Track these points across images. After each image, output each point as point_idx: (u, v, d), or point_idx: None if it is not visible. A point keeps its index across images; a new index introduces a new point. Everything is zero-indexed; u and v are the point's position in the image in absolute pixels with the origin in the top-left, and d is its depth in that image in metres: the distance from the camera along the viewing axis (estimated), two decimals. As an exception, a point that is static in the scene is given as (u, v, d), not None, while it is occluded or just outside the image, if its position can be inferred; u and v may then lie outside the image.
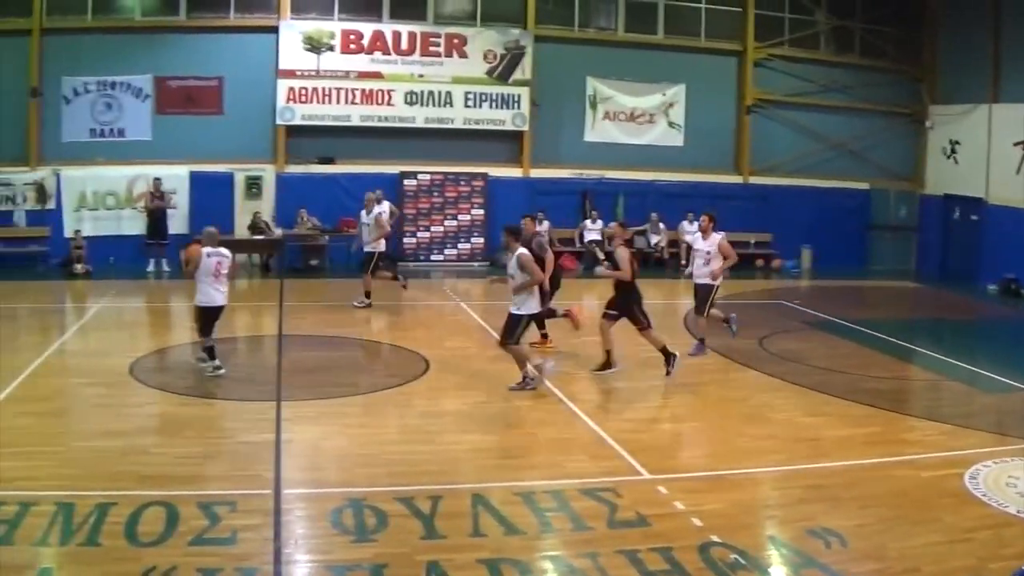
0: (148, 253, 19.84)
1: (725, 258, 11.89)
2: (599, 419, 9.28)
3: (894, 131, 23.53)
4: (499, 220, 20.72)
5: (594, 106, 22.04)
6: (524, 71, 21.33)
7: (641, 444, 8.38)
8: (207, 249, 10.85)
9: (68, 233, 19.74)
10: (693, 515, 6.75)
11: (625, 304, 10.94)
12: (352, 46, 20.87)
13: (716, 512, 6.80)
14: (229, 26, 20.73)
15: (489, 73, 21.25)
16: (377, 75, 20.85)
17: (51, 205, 20.17)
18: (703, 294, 12.12)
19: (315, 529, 6.59)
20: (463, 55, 21.17)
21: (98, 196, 20.27)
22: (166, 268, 19.80)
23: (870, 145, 23.30)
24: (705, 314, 12.12)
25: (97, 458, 8.16)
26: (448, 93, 21.11)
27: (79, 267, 19.41)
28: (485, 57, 21.22)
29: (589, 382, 11.23)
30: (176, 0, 20.62)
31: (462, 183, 21.14)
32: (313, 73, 20.70)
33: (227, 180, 20.50)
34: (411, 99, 21.00)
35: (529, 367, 10.32)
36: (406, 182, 20.92)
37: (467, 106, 21.20)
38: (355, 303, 15.83)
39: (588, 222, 21.25)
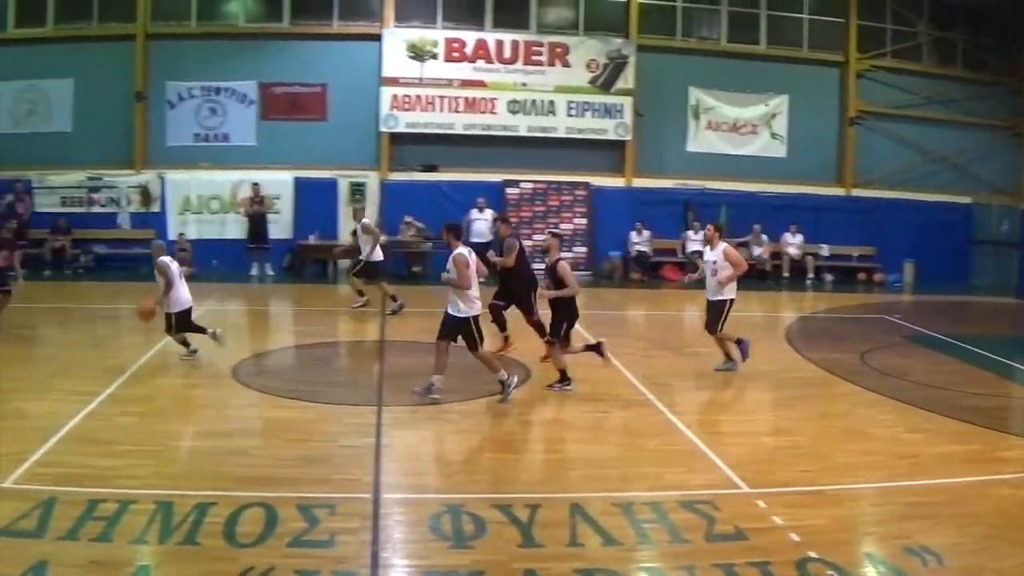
0: (251, 257, 20.05)
1: (734, 267, 11.42)
2: (699, 431, 9.17)
3: (996, 144, 23.46)
4: (602, 230, 20.88)
5: (697, 116, 22.13)
6: (627, 80, 21.48)
7: (740, 457, 8.28)
8: (164, 258, 11.45)
9: (172, 236, 19.96)
10: (791, 530, 6.65)
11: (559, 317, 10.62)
12: (455, 54, 21.09)
13: (814, 527, 6.71)
14: (333, 33, 21.03)
15: (592, 82, 21.44)
16: (480, 83, 21.06)
17: (155, 208, 20.46)
18: (716, 309, 11.59)
19: (413, 534, 6.60)
20: (566, 64, 21.36)
21: (202, 200, 20.52)
22: (269, 272, 20.03)
23: (972, 159, 23.24)
24: (718, 331, 11.59)
25: (197, 458, 8.32)
26: (551, 102, 21.29)
27: (183, 269, 19.60)
28: (588, 66, 21.39)
29: (691, 392, 11.08)
30: (280, 7, 20.92)
31: (565, 192, 21.26)
32: (416, 81, 20.94)
33: (331, 186, 20.71)
34: (514, 108, 21.19)
35: (502, 372, 10.08)
36: (509, 190, 21.06)
37: (570, 115, 21.36)
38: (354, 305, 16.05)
39: (690, 233, 21.32)
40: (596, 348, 11.03)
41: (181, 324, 11.58)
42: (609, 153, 21.55)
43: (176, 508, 6.85)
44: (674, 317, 17.61)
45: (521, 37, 21.08)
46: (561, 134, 21.13)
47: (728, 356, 11.71)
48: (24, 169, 20.43)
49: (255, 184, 19.69)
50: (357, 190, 20.47)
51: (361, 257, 15.80)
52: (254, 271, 19.88)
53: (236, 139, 20.63)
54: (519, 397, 10.45)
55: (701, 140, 21.94)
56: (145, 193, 20.32)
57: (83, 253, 20.33)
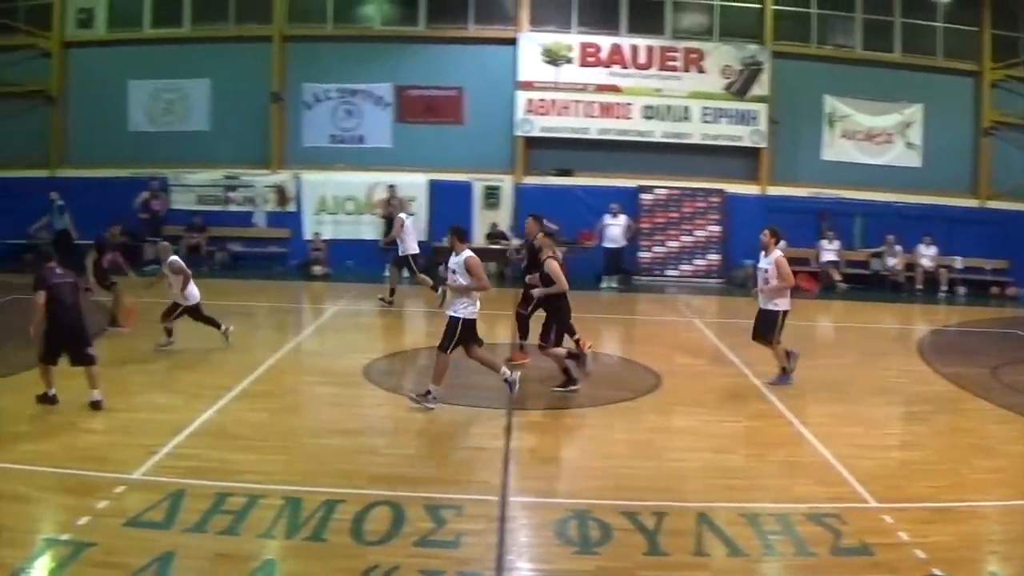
0: (386, 259, 20.29)
1: (782, 279, 11.14)
2: (828, 443, 9.00)
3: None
4: (736, 237, 20.88)
5: (832, 124, 22.12)
6: (762, 87, 21.55)
7: (868, 471, 8.12)
8: (175, 258, 12.11)
9: (308, 236, 20.27)
10: (917, 547, 6.52)
11: (550, 318, 10.62)
12: (590, 59, 21.27)
13: (940, 544, 6.59)
14: (468, 37, 21.27)
15: (726, 89, 21.51)
16: (615, 88, 21.24)
17: (291, 208, 20.75)
18: (768, 320, 11.30)
19: (539, 538, 6.63)
20: (701, 70, 21.46)
21: (338, 200, 20.80)
22: (404, 274, 20.19)
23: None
24: (775, 342, 11.31)
25: (327, 455, 8.40)
26: (686, 108, 21.39)
27: (318, 269, 19.96)
28: (722, 72, 21.46)
29: (821, 404, 10.74)
30: (416, 10, 21.21)
31: (699, 199, 21.34)
32: (552, 85, 21.14)
33: (466, 189, 20.85)
34: (649, 113, 21.31)
35: (504, 370, 10.04)
36: (643, 196, 21.16)
37: (704, 121, 21.43)
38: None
39: (824, 242, 21.31)
40: (578, 358, 10.70)
41: (195, 316, 12.19)
42: (743, 160, 21.59)
43: (304, 504, 6.98)
44: (805, 327, 17.45)
45: (656, 42, 21.21)
46: (696, 140, 21.20)
47: (784, 371, 11.39)
48: (161, 167, 20.81)
49: (391, 186, 19.94)
50: (491, 193, 20.66)
51: (400, 252, 16.43)
52: (388, 272, 20.09)
53: (372, 141, 20.90)
54: (649, 405, 10.44)
55: (836, 148, 21.92)
56: (281, 193, 20.64)
57: (218, 250, 20.64)
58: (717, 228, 21.11)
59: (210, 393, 10.28)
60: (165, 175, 20.79)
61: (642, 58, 21.00)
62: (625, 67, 20.97)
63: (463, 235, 10.05)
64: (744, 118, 21.20)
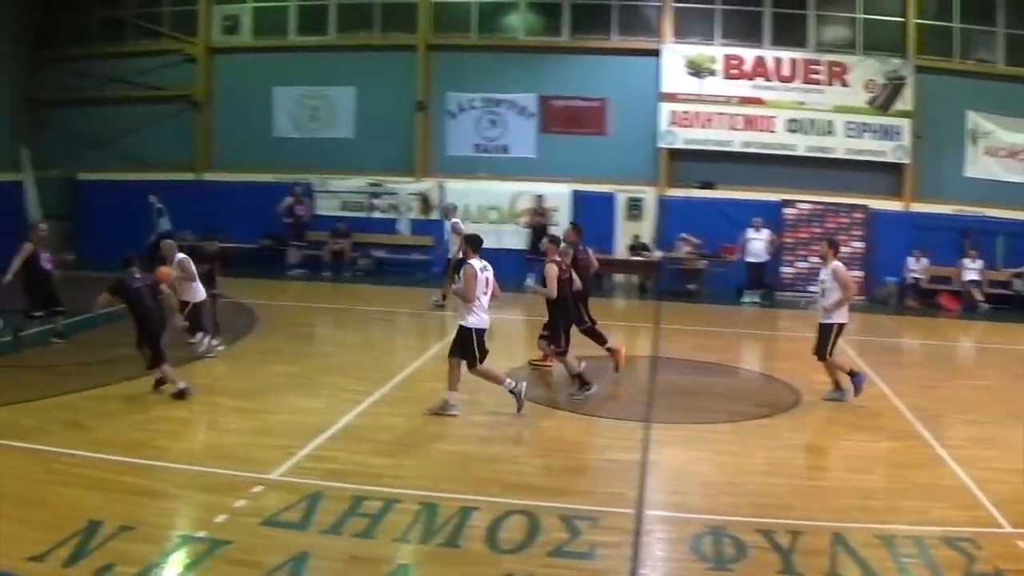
0: (529, 268, 20.76)
1: (844, 289, 11.18)
2: (965, 465, 8.96)
3: None
4: (879, 254, 21.09)
5: (975, 140, 22.25)
6: (905, 102, 21.74)
7: (1004, 495, 8.05)
8: (181, 256, 12.14)
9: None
10: None
11: (552, 323, 10.99)
12: (734, 71, 21.51)
13: None
14: (612, 48, 21.59)
15: (870, 103, 21.64)
16: (759, 101, 21.49)
17: (435, 216, 21.19)
18: (822, 333, 11.34)
19: (673, 553, 6.70)
20: (844, 83, 21.62)
21: (481, 209, 21.21)
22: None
23: None
24: (827, 356, 11.27)
25: (464, 463, 8.63)
26: (829, 122, 21.56)
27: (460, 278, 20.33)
28: (866, 86, 21.56)
29: (961, 426, 10.72)
30: (560, 21, 21.61)
31: (842, 214, 21.58)
32: (695, 97, 21.41)
33: (609, 200, 21.13)
34: (793, 127, 21.50)
35: (508, 381, 10.22)
36: (786, 210, 21.40)
37: (848, 136, 21.61)
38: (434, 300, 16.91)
39: (967, 261, 21.46)
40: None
41: (191, 315, 12.30)
42: (886, 176, 21.73)
43: (440, 510, 7.21)
44: (947, 348, 17.56)
45: (799, 55, 21.41)
46: (840, 155, 21.37)
47: (837, 385, 11.37)
48: (306, 172, 21.36)
49: (539, 196, 20.36)
50: (635, 205, 21.04)
51: (449, 256, 16.67)
52: (529, 281, 20.49)
53: (515, 151, 21.30)
54: (787, 422, 10.56)
55: (979, 165, 22.00)
56: (425, 201, 21.15)
57: (362, 256, 21.17)
58: (860, 244, 21.30)
59: (351, 397, 10.77)
60: (310, 181, 21.21)
61: (786, 71, 21.25)
62: (769, 80, 21.20)
63: (476, 245, 10.50)
64: (887, 133, 21.37)
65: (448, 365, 10.10)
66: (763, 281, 20.34)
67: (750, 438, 9.85)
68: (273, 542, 6.72)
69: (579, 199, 21.10)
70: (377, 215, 21.19)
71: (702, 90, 21.10)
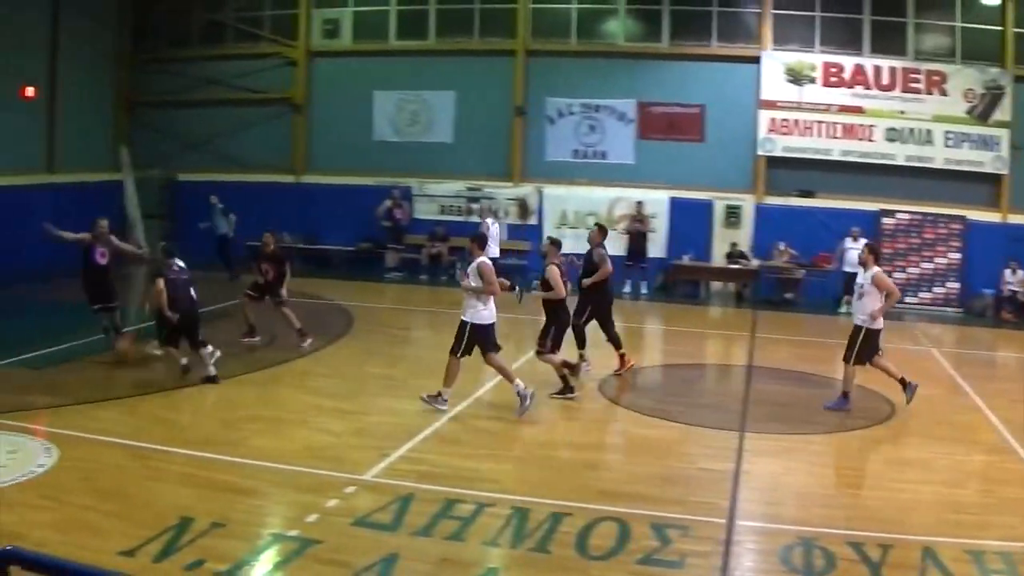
0: (627, 274, 21.16)
1: (888, 295, 11.37)
2: None
3: None
4: (975, 266, 21.33)
5: (1074, 152, 22.42)
6: (1003, 112, 21.95)
7: None
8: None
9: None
10: None
11: (549, 323, 11.41)
12: (833, 79, 21.89)
13: None
14: (711, 54, 22.06)
15: (968, 112, 21.95)
16: (858, 109, 21.83)
17: (532, 221, 21.74)
18: (851, 335, 11.59)
19: (763, 564, 6.82)
20: (943, 92, 21.93)
21: (579, 215, 21.72)
22: (643, 290, 21.09)
23: None
24: (851, 361, 11.44)
25: (556, 468, 8.89)
26: (928, 131, 21.88)
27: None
28: (965, 96, 21.91)
29: None
30: (659, 26, 22.07)
31: (940, 225, 21.82)
32: (794, 105, 21.81)
33: (706, 208, 21.72)
34: (892, 136, 21.86)
35: (519, 383, 10.52)
36: (885, 220, 21.73)
37: (947, 145, 21.90)
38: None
39: (1060, 275, 21.57)
40: (573, 367, 11.56)
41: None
42: (984, 186, 22.04)
43: (531, 515, 7.39)
44: None
45: (899, 64, 21.76)
46: (938, 165, 21.71)
47: (845, 395, 11.53)
48: (404, 176, 22.02)
49: (638, 202, 20.89)
50: (732, 213, 21.45)
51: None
52: (627, 288, 20.97)
53: (614, 157, 21.85)
54: (881, 434, 10.68)
55: (1078, 177, 22.19)
56: (523, 206, 21.71)
57: (459, 260, 21.64)
58: (957, 256, 21.58)
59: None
60: (408, 184, 21.72)
61: (885, 79, 21.60)
62: (868, 88, 21.57)
63: (481, 243, 11.10)
64: (986, 143, 21.67)
65: (450, 361, 10.47)
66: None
67: (844, 450, 10.03)
68: (363, 542, 6.89)
69: (676, 206, 21.78)
70: (475, 219, 21.58)
71: (801, 98, 21.51)
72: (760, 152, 21.71)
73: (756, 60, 21.74)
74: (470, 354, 10.59)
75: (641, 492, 8.13)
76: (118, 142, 23.67)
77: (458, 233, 21.96)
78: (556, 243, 12.01)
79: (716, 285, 21.66)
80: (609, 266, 13.01)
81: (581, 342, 12.77)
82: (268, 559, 6.72)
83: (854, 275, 20.43)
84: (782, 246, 21.39)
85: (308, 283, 20.29)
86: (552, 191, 21.86)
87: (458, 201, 22.36)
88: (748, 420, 10.76)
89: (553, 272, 11.35)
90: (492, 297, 10.53)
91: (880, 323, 11.46)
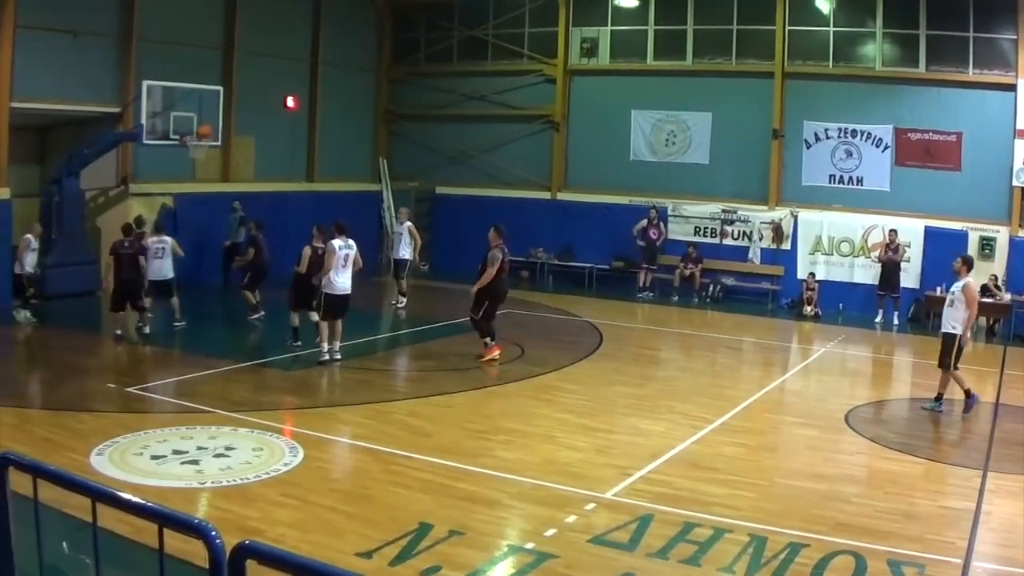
0: (879, 304, 24.99)
1: (970, 305, 13.85)
2: None
3: None
4: None
5: None
6: None
7: None
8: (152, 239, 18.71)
9: (801, 275, 25.82)
10: None
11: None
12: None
13: None
14: (968, 81, 26.97)
15: None
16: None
17: (786, 246, 26.67)
18: (945, 343, 14.17)
19: None
20: None
21: (833, 241, 26.59)
22: (895, 321, 24.75)
23: None
24: (952, 367, 14.04)
25: (798, 498, 10.15)
26: None
27: (808, 309, 25.37)
28: None
29: None
30: (916, 52, 26.28)
31: None
32: (1055, 134, 25.48)
33: (961, 238, 25.14)
34: None
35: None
36: None
37: None
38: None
39: None
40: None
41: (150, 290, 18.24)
42: None
43: (768, 544, 8.54)
44: None
45: None
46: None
47: (940, 397, 14.34)
48: (659, 196, 27.31)
49: (892, 231, 24.93)
50: (987, 244, 25.61)
51: (397, 257, 23.02)
52: (878, 318, 24.78)
53: (869, 183, 26.83)
54: None
55: None
56: (778, 230, 26.77)
57: (712, 283, 26.19)
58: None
59: (690, 423, 13.10)
60: (665, 205, 26.42)
61: None
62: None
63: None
64: None
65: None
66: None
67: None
68: (599, 560, 8.04)
69: (930, 235, 25.56)
70: (728, 242, 26.79)
71: (1059, 127, 25.04)
72: (1016, 183, 26.35)
73: (1012, 88, 26.39)
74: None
75: (880, 527, 9.21)
76: (377, 154, 29.41)
77: (712, 255, 28.11)
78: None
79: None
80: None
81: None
82: (503, 570, 7.94)
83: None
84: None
85: (560, 299, 25.88)
86: (807, 216, 27.11)
87: (713, 223, 27.78)
88: (992, 459, 11.95)
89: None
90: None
91: (968, 332, 14.31)
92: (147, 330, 17.77)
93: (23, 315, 19.09)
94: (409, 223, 23.25)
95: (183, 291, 19.51)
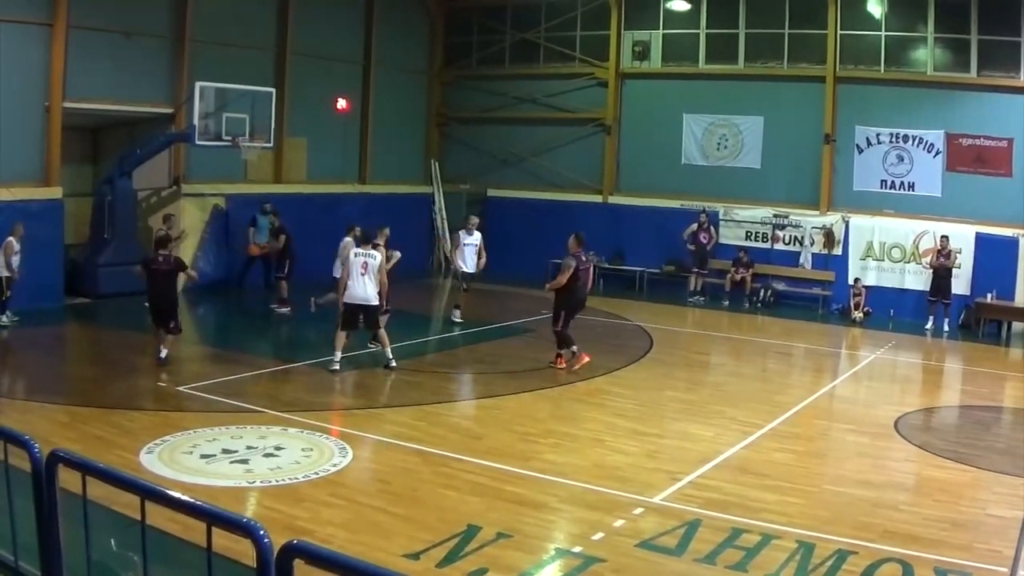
0: (929, 310, 26.96)
1: None
2: None
3: None
4: None
5: None
6: None
7: None
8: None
9: (850, 280, 28.15)
10: None
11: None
12: None
13: None
14: (1019, 87, 27.73)
15: None
16: None
17: (837, 251, 29.02)
18: None
19: None
20: None
21: (884, 247, 28.77)
22: (945, 328, 26.78)
23: None
24: None
25: (846, 505, 10.62)
26: None
27: (858, 315, 27.40)
28: None
29: None
30: (968, 57, 28.23)
31: None
32: (1102, 140, 27.32)
33: (1012, 245, 26.37)
34: None
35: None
36: None
37: None
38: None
39: None
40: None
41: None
42: None
43: (816, 550, 8.97)
44: None
45: None
46: None
47: None
48: (711, 200, 29.69)
49: (943, 237, 26.56)
50: (1037, 252, 27.11)
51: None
52: (929, 324, 26.29)
53: (921, 188, 28.69)
54: None
55: None
56: (829, 235, 28.99)
57: (763, 288, 28.49)
58: None
59: (740, 428, 13.67)
60: (716, 209, 28.87)
61: None
62: None
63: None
64: None
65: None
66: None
67: None
68: (646, 564, 8.44)
69: (981, 242, 26.71)
70: (779, 247, 29.12)
71: (1118, 133, 26.84)
72: (1068, 190, 27.67)
73: (1062, 94, 27.96)
74: None
75: (927, 535, 9.62)
76: (429, 156, 31.95)
77: (763, 260, 30.23)
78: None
79: (1018, 326, 25.57)
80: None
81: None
82: (550, 573, 8.41)
83: None
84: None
85: (611, 303, 26.84)
86: (858, 221, 28.64)
87: (764, 227, 29.71)
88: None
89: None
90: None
91: None
92: (163, 354, 16.73)
93: (4, 318, 19.51)
94: (479, 234, 23.58)
95: (230, 290, 21.81)
